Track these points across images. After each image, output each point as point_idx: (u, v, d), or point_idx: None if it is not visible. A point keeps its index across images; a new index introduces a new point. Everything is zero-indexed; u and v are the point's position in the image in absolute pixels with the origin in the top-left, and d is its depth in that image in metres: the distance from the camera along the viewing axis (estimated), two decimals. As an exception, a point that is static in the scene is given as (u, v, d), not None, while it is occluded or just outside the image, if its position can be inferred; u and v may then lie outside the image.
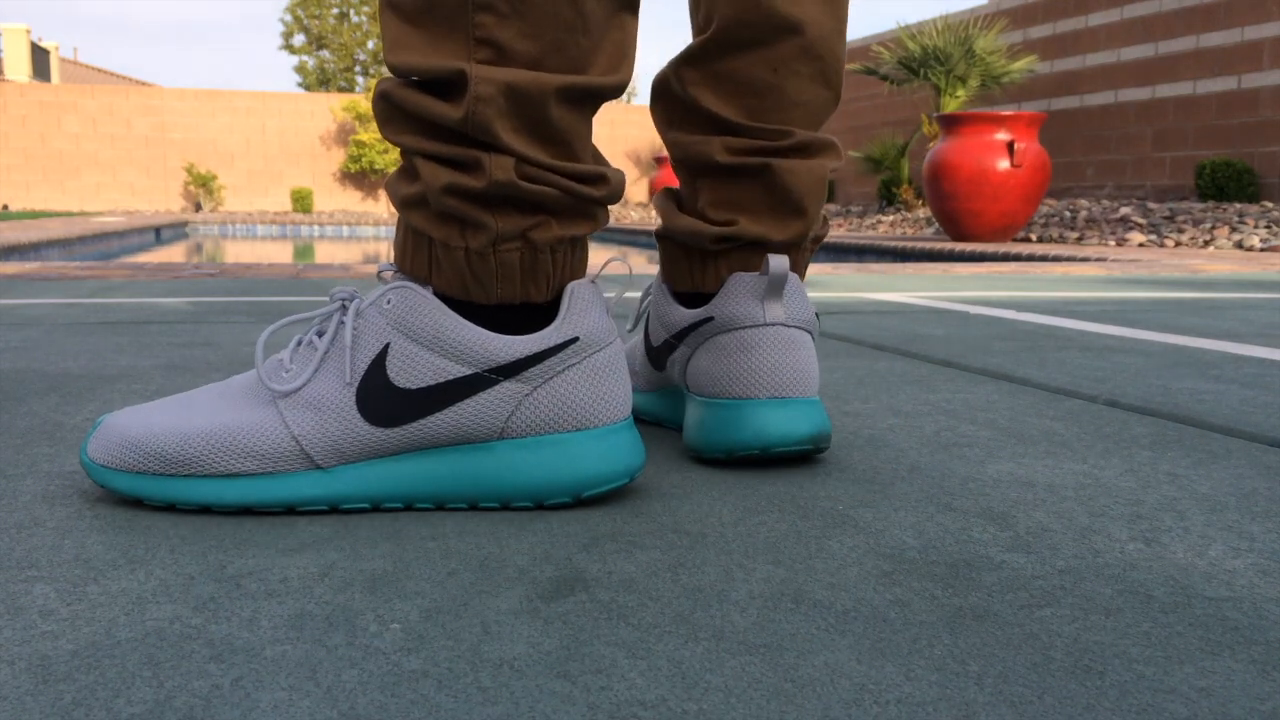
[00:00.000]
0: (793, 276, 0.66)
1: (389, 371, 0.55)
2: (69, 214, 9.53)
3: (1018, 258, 3.77)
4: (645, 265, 2.95)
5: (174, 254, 5.76)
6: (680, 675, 0.36)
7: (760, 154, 0.66)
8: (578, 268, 0.59)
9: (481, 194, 0.54)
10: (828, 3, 0.65)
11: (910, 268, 2.88)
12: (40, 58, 24.34)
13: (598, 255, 5.77)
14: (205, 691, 0.35)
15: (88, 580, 0.45)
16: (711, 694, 0.35)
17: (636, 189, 13.90)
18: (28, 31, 23.11)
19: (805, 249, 0.70)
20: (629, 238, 7.84)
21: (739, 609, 0.42)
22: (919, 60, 6.96)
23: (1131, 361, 1.12)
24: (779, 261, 0.64)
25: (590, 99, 0.56)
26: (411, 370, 0.55)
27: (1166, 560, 0.49)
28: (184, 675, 0.36)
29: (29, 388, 0.90)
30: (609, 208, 0.60)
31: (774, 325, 0.65)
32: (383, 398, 0.55)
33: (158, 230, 7.67)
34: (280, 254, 5.93)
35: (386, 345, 0.55)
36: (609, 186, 0.57)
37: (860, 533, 0.52)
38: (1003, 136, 4.67)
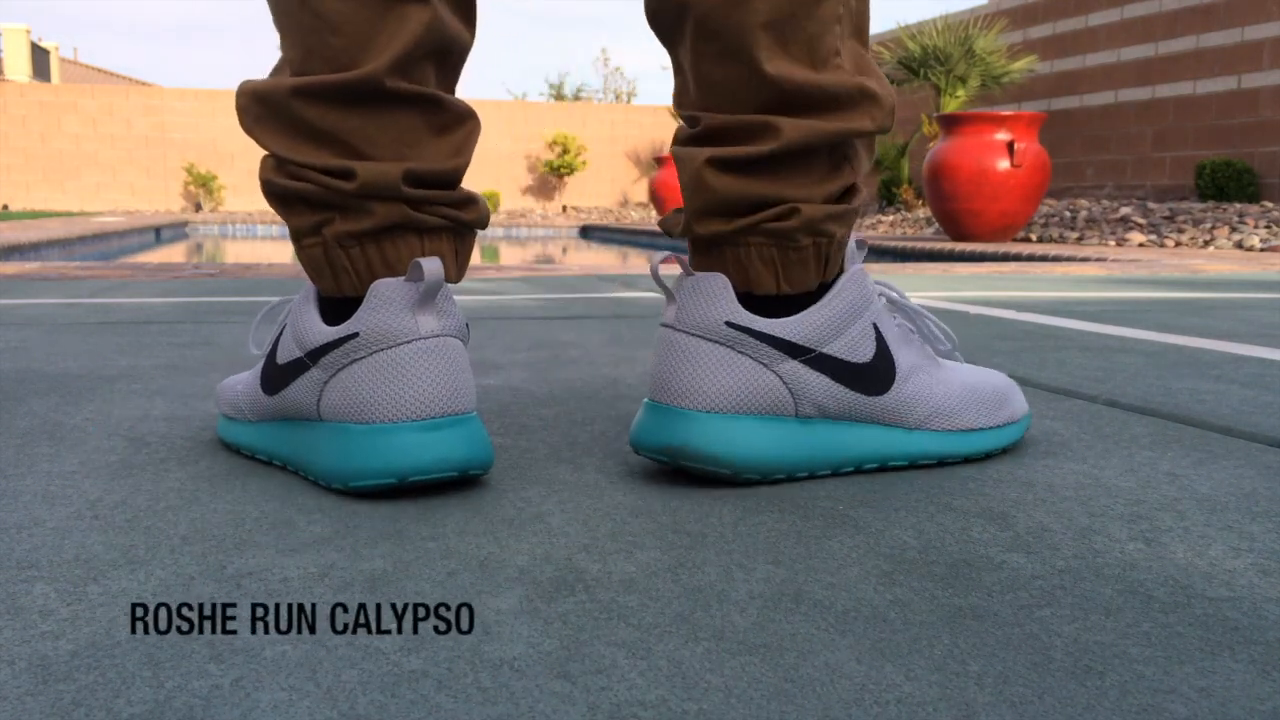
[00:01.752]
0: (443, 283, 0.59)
1: (277, 348, 0.63)
2: (69, 214, 9.53)
3: (1018, 258, 3.77)
4: (645, 266, 2.95)
5: (174, 254, 5.76)
6: (680, 675, 0.36)
7: (675, 142, 0.64)
8: (396, 264, 0.60)
9: (267, 193, 0.62)
10: None
11: (910, 268, 2.88)
12: (40, 58, 24.34)
13: (599, 257, 5.77)
14: (205, 691, 0.35)
15: (88, 580, 0.45)
16: (711, 694, 0.35)
17: (637, 189, 13.89)
18: (28, 31, 23.10)
19: (744, 244, 0.61)
20: (629, 238, 7.84)
21: (739, 609, 0.42)
22: (919, 60, 6.96)
23: (1131, 361, 1.12)
24: (432, 265, 0.57)
25: (347, 96, 0.58)
26: (284, 349, 0.62)
27: (1166, 560, 0.49)
28: (184, 675, 0.36)
29: (29, 388, 0.90)
30: (467, 215, 0.62)
31: (426, 339, 0.57)
32: (269, 370, 0.64)
33: (158, 230, 7.67)
34: (280, 254, 5.93)
35: (284, 327, 0.64)
36: (373, 185, 0.58)
37: (860, 533, 0.52)
38: (1003, 136, 4.67)
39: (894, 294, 0.68)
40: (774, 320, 0.60)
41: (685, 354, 0.60)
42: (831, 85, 0.60)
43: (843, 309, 0.62)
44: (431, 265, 0.57)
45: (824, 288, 0.64)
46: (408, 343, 0.57)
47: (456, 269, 0.63)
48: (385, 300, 0.57)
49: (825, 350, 0.61)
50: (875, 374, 0.63)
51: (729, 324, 0.60)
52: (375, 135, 0.59)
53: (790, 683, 0.36)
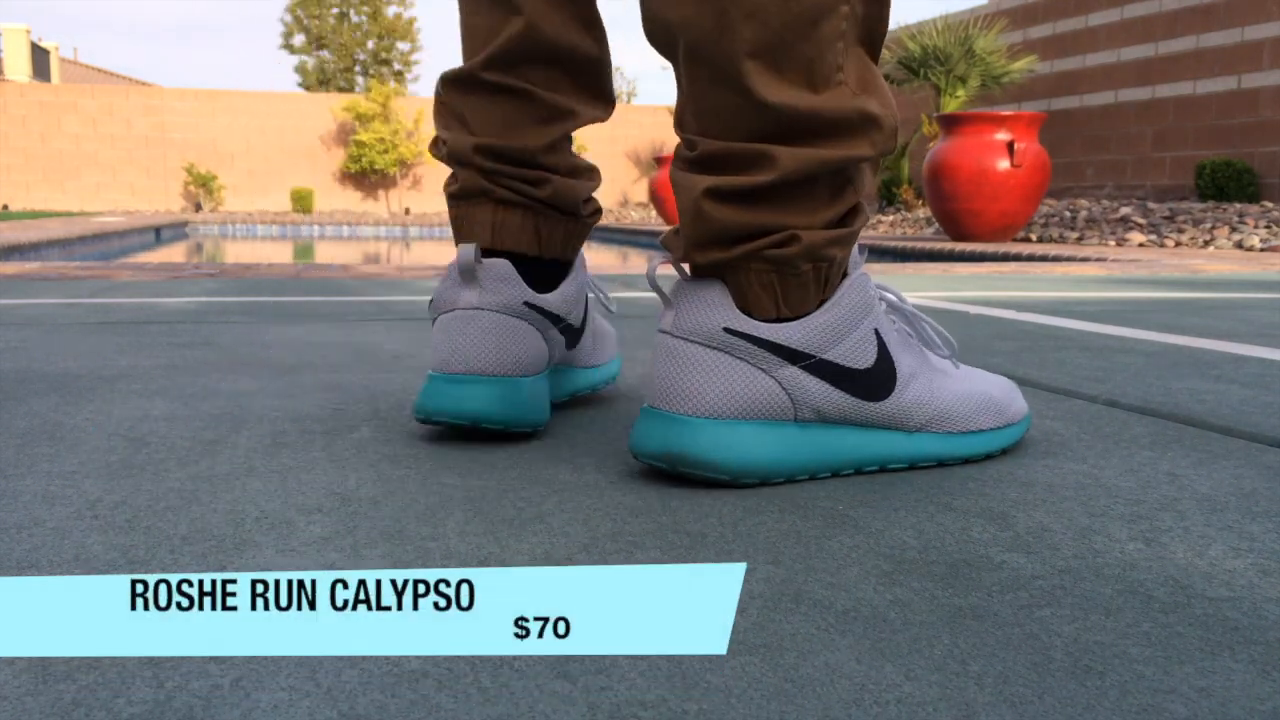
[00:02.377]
0: (498, 264, 0.70)
1: None
2: (69, 214, 9.53)
3: (1018, 258, 3.77)
4: (645, 266, 2.95)
5: (174, 254, 5.76)
6: (680, 675, 0.36)
7: (674, 164, 0.63)
8: (475, 225, 0.74)
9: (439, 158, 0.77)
10: (703, 2, 0.57)
11: (910, 268, 2.88)
12: (40, 58, 24.34)
13: (599, 256, 5.78)
14: (205, 691, 0.35)
15: (88, 580, 0.45)
16: (711, 694, 0.35)
17: (637, 189, 13.90)
18: (28, 31, 23.11)
19: (743, 269, 0.60)
20: (629, 238, 7.84)
21: (739, 609, 0.42)
22: (919, 60, 6.97)
23: (1131, 361, 1.12)
24: (464, 250, 0.70)
25: (460, 84, 0.74)
26: None
27: (1166, 560, 0.49)
28: (184, 675, 0.36)
29: (29, 388, 0.90)
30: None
31: (461, 310, 0.71)
32: None
33: (158, 230, 7.67)
34: (280, 254, 5.94)
35: None
36: (453, 152, 0.74)
37: (860, 533, 0.52)
38: (1003, 136, 4.67)
39: (893, 297, 0.67)
40: (773, 325, 0.60)
41: (683, 360, 0.60)
42: (830, 111, 0.58)
43: (844, 315, 0.61)
44: (464, 250, 0.70)
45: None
46: (449, 311, 0.71)
47: (540, 244, 0.74)
48: (448, 275, 0.72)
49: (825, 356, 0.61)
50: (876, 380, 0.62)
51: (727, 330, 0.59)
52: (483, 118, 0.73)
53: (790, 683, 0.36)
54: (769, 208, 0.60)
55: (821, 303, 0.62)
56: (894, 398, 0.63)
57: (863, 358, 0.62)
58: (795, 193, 0.60)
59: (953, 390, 0.66)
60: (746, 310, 0.61)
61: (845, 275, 0.63)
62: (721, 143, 0.59)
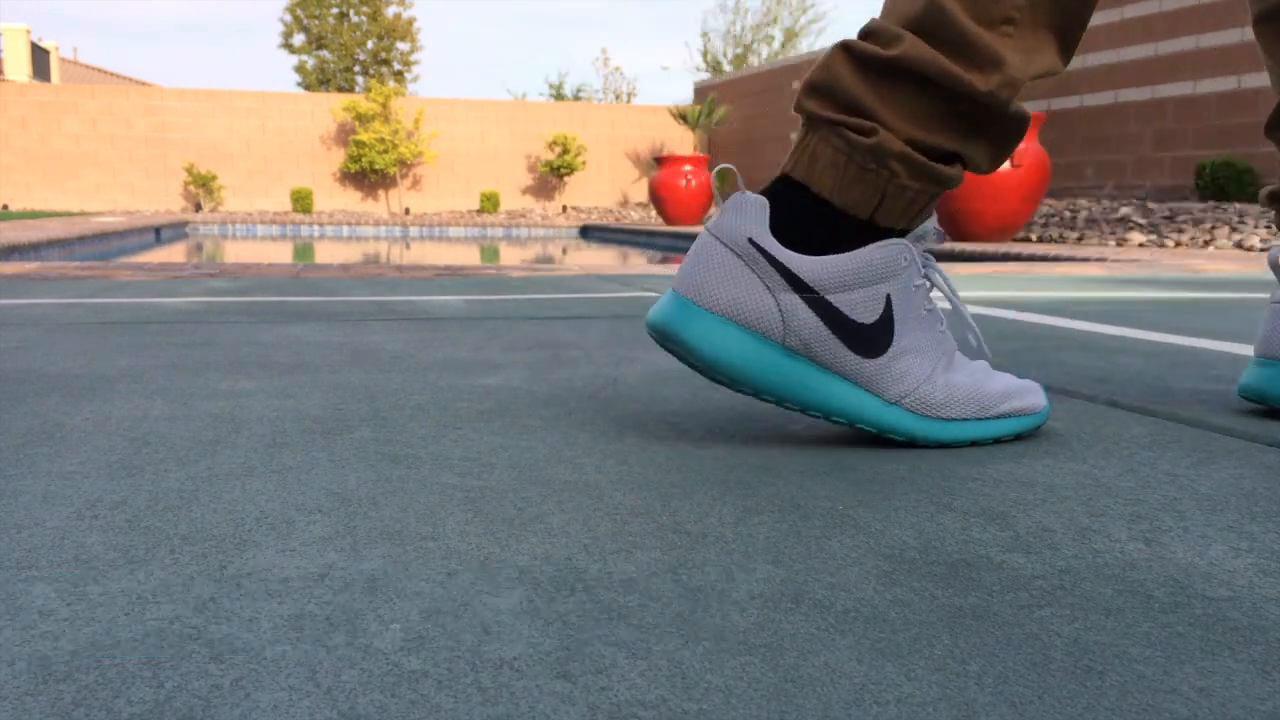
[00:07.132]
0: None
1: None
2: (69, 214, 9.53)
3: (1018, 258, 3.77)
4: (645, 266, 2.95)
5: (174, 254, 5.76)
6: (680, 675, 0.36)
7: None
8: None
9: None
10: None
11: (910, 268, 2.88)
12: (40, 58, 24.34)
13: (599, 257, 5.79)
14: (205, 691, 0.35)
15: (88, 580, 0.45)
16: (711, 694, 0.35)
17: (636, 189, 13.88)
18: (28, 31, 23.10)
19: (825, 139, 0.69)
20: (629, 238, 7.83)
21: (739, 609, 0.42)
22: (919, 60, 6.96)
23: (1131, 361, 1.12)
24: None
25: None
26: None
27: (1166, 560, 0.49)
28: (184, 675, 0.36)
29: (29, 388, 0.90)
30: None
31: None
32: None
33: (158, 230, 7.67)
34: (280, 254, 5.94)
35: None
36: None
37: (860, 533, 0.52)
38: (1003, 136, 4.66)
39: (946, 287, 0.70)
40: (790, 253, 0.65)
41: (705, 255, 0.66)
42: (972, 34, 0.63)
43: (859, 268, 0.65)
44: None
45: (863, 238, 0.66)
46: None
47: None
48: None
49: (828, 297, 0.65)
50: (870, 338, 0.66)
51: (751, 240, 0.65)
52: None
53: (790, 683, 0.36)
54: (877, 91, 0.65)
55: (853, 246, 0.66)
56: (880, 361, 0.66)
57: (865, 314, 0.66)
58: (904, 86, 0.64)
59: (950, 380, 0.69)
60: (809, 181, 0.67)
61: (903, 232, 0.67)
62: (880, 20, 0.66)
